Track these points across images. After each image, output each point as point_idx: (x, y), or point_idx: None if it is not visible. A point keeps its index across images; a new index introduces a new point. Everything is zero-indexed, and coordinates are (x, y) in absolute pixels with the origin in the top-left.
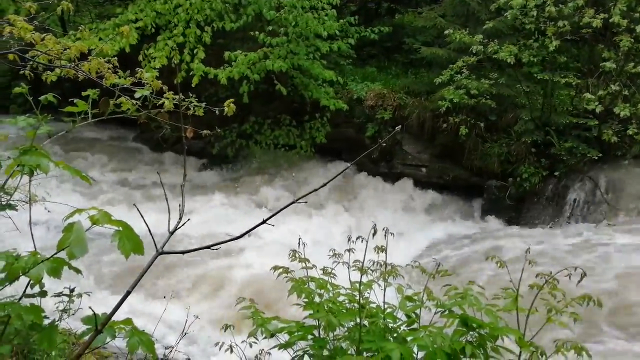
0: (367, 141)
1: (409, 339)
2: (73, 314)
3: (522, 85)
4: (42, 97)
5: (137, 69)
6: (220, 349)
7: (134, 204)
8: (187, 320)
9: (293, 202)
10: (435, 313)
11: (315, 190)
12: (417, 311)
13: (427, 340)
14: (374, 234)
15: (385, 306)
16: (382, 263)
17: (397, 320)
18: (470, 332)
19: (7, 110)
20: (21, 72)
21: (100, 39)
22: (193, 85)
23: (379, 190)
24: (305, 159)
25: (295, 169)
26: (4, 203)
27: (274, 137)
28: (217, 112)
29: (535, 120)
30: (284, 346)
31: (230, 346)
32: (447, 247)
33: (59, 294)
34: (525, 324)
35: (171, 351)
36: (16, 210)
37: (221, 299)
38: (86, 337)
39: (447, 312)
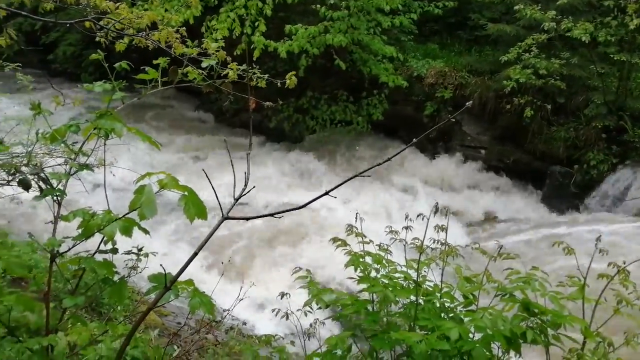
0: (425, 120)
1: (466, 319)
2: (140, 272)
3: (597, 66)
4: (116, 65)
5: (202, 39)
6: (276, 315)
7: (203, 169)
8: (242, 287)
9: (356, 176)
10: (495, 296)
11: (379, 164)
12: (476, 293)
13: (486, 321)
14: (434, 212)
15: (443, 286)
16: (441, 242)
17: (455, 300)
18: (531, 318)
19: (79, 79)
20: (96, 39)
21: (166, 10)
22: (254, 58)
23: (435, 170)
24: (361, 135)
25: (351, 145)
26: (82, 164)
27: (331, 113)
28: (279, 84)
29: (608, 104)
30: (337, 318)
31: (287, 313)
32: (505, 231)
33: (128, 252)
34: (592, 314)
35: (227, 314)
36: (92, 171)
37: (277, 267)
38: (152, 294)
39: (507, 296)
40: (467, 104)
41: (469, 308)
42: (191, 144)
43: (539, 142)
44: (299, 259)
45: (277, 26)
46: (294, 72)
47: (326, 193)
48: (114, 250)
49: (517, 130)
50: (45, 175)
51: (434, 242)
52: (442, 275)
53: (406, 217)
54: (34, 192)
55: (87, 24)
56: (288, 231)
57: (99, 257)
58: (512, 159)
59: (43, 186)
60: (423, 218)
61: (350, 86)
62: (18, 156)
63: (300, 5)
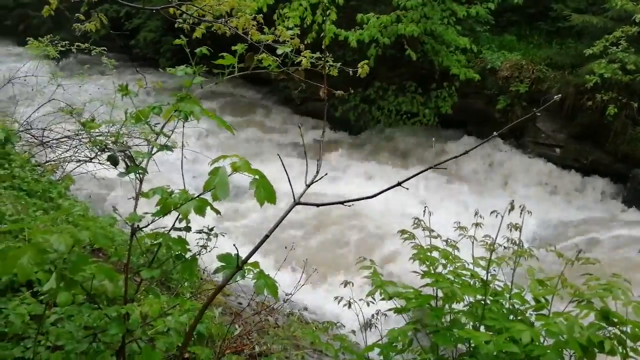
0: (497, 115)
1: (537, 323)
2: (209, 252)
3: None
4: (197, 50)
5: (277, 26)
6: (339, 303)
7: (278, 154)
8: (303, 272)
9: (431, 168)
10: (570, 302)
11: (455, 157)
12: (549, 297)
13: (562, 327)
14: (510, 210)
15: (513, 287)
16: (514, 241)
17: (526, 303)
18: (609, 328)
19: (157, 64)
20: (176, 25)
21: None
22: (323, 46)
23: (506, 166)
24: (428, 128)
25: (417, 138)
26: (162, 144)
27: (397, 104)
28: (350, 72)
29: None
30: (400, 311)
31: (349, 302)
32: (581, 235)
33: (199, 231)
34: None
35: (289, 298)
36: (172, 151)
37: (341, 256)
38: (220, 273)
39: (585, 302)
40: (555, 97)
41: (541, 312)
42: (258, 130)
43: (622, 143)
44: (360, 250)
45: (348, 15)
46: (366, 61)
47: (399, 184)
48: (188, 229)
49: (597, 128)
50: (131, 154)
51: (506, 241)
52: (512, 275)
53: (476, 214)
54: (115, 169)
55: (171, 10)
56: (351, 220)
57: (173, 234)
58: (590, 159)
59: (128, 163)
60: (497, 215)
61: (419, 77)
62: (101, 135)
63: None
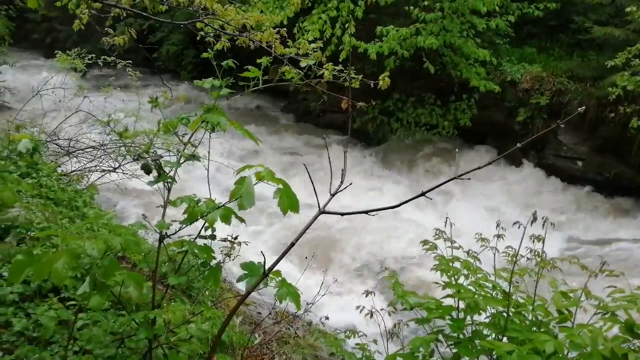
0: (517, 127)
1: (561, 335)
2: (233, 260)
3: None
4: (223, 62)
5: (295, 40)
6: (360, 312)
7: (304, 164)
8: (323, 281)
9: (454, 178)
10: (595, 314)
11: (480, 167)
12: (572, 309)
13: (585, 339)
14: (532, 222)
15: (536, 299)
16: (536, 252)
17: (549, 315)
18: (634, 341)
19: (179, 76)
20: (205, 39)
21: (261, 11)
22: (340, 59)
23: (527, 179)
24: (446, 140)
25: (437, 150)
26: (190, 154)
27: (416, 116)
28: (372, 85)
29: None
30: (421, 321)
31: (371, 312)
32: (605, 248)
33: (224, 239)
34: None
35: (311, 307)
36: (199, 160)
37: (363, 266)
38: (244, 281)
39: (609, 315)
40: (578, 109)
41: (564, 324)
42: (279, 141)
43: None
44: (380, 259)
45: (367, 27)
46: (387, 74)
47: (423, 194)
48: (213, 237)
49: (620, 141)
50: (161, 163)
51: (529, 252)
52: (535, 287)
53: (497, 225)
54: (138, 179)
55: (198, 24)
56: (371, 231)
57: (199, 242)
58: (613, 173)
59: (158, 172)
60: (519, 226)
61: (438, 89)
62: (125, 145)
63: (392, 6)
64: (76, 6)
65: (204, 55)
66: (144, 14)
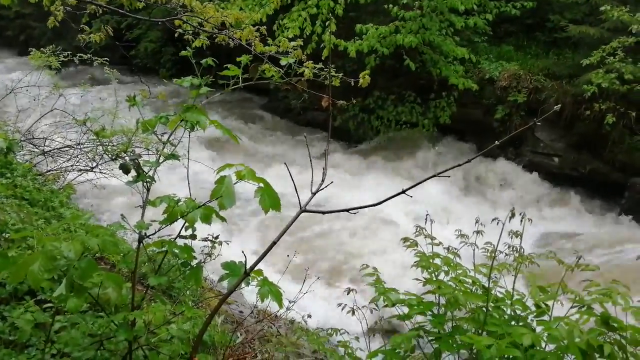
0: (495, 124)
1: (539, 328)
2: (214, 259)
3: None
4: (203, 61)
5: (277, 36)
6: (342, 310)
7: (285, 163)
8: (305, 279)
9: (434, 176)
10: (571, 308)
11: (459, 165)
12: (550, 303)
13: (562, 332)
14: (510, 218)
15: (514, 293)
16: (514, 248)
17: (527, 309)
18: (609, 333)
19: (157, 73)
20: (183, 36)
21: (240, 8)
22: (323, 57)
23: (504, 176)
24: (426, 138)
25: (416, 147)
26: (169, 153)
27: (397, 114)
28: (352, 83)
29: None
30: (402, 318)
31: (353, 309)
32: (580, 244)
33: (204, 239)
34: None
35: (293, 305)
36: (179, 159)
37: (343, 263)
38: (225, 281)
39: (585, 308)
40: (555, 107)
41: (542, 318)
42: (259, 139)
43: (620, 152)
44: (360, 257)
45: (347, 25)
46: (367, 72)
47: (403, 192)
48: (193, 236)
49: (595, 138)
50: (140, 162)
51: (507, 248)
52: (514, 282)
53: (476, 222)
54: (116, 178)
55: (176, 22)
56: (352, 228)
57: (179, 242)
58: (588, 169)
59: (137, 172)
60: (498, 223)
61: (418, 87)
62: (102, 144)
63: (372, 5)
64: (50, 2)
65: (183, 53)
66: (121, 11)
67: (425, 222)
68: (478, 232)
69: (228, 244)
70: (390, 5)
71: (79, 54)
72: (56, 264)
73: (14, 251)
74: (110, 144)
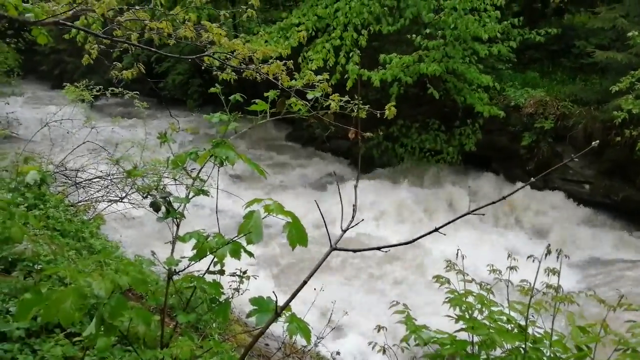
0: (522, 151)
1: None
2: (241, 294)
3: None
4: (231, 97)
5: (302, 68)
6: (372, 348)
7: (315, 201)
8: (331, 313)
9: (467, 214)
10: (615, 351)
11: (493, 202)
12: (592, 345)
13: None
14: (546, 255)
15: (553, 333)
16: (552, 286)
17: (568, 351)
18: None
19: (184, 104)
20: (213, 73)
21: (266, 41)
22: (347, 88)
23: (534, 204)
24: (451, 166)
25: (443, 176)
26: (199, 189)
27: (421, 141)
28: (378, 114)
29: None
30: (434, 357)
31: (384, 348)
32: (619, 277)
33: (233, 274)
34: None
35: (320, 341)
36: (208, 195)
37: (372, 299)
38: (253, 317)
39: (630, 351)
40: (593, 143)
41: None
42: (284, 169)
43: None
44: (390, 294)
45: (369, 55)
46: (393, 103)
47: (436, 229)
48: (222, 272)
49: (627, 165)
50: (170, 199)
51: (545, 286)
52: (552, 322)
53: (508, 256)
54: (145, 209)
55: (206, 58)
56: (378, 260)
57: (208, 277)
58: (621, 196)
59: (167, 209)
60: (533, 260)
61: (442, 115)
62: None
63: (394, 34)
64: (84, 39)
65: (212, 90)
66: (152, 49)
67: (457, 257)
68: (512, 267)
69: (256, 278)
70: (414, 35)
71: (110, 88)
72: (87, 302)
73: (47, 287)
74: (142, 180)
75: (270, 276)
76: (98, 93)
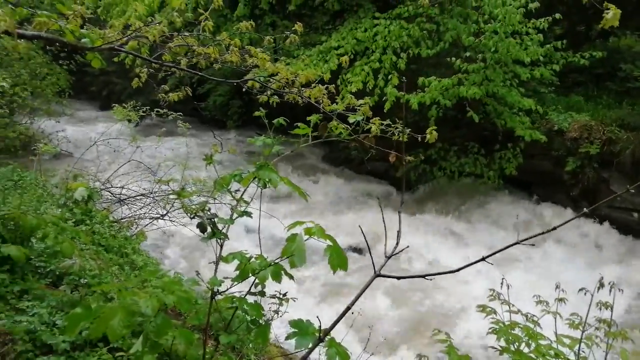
0: (566, 177)
1: None
2: (280, 317)
3: None
4: (275, 121)
5: (341, 91)
6: None
7: (359, 226)
8: (368, 339)
9: (516, 244)
10: None
11: (542, 233)
12: None
13: None
14: (599, 289)
15: None
16: (605, 321)
17: None
18: None
19: (225, 125)
20: (258, 98)
21: (306, 65)
22: (385, 110)
23: (579, 232)
24: (491, 190)
25: (480, 200)
26: (243, 210)
27: (460, 165)
28: (419, 138)
29: None
30: None
31: None
32: None
33: (273, 296)
34: None
35: None
36: (251, 217)
37: (413, 325)
38: (292, 340)
39: None
40: None
41: None
42: (322, 190)
43: None
44: (432, 321)
45: (408, 77)
46: (434, 127)
47: (483, 259)
48: (262, 293)
49: None
50: (214, 222)
51: (596, 321)
52: (605, 358)
53: (556, 287)
54: (189, 226)
55: (250, 83)
56: (419, 286)
57: (249, 299)
58: None
59: (212, 230)
60: (585, 293)
61: (481, 138)
62: (174, 192)
63: (433, 57)
64: (132, 62)
65: (257, 113)
66: (200, 74)
67: (502, 287)
68: (560, 299)
69: (295, 300)
70: (453, 58)
71: (156, 109)
72: (134, 319)
73: (95, 302)
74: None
75: (309, 298)
76: (144, 114)
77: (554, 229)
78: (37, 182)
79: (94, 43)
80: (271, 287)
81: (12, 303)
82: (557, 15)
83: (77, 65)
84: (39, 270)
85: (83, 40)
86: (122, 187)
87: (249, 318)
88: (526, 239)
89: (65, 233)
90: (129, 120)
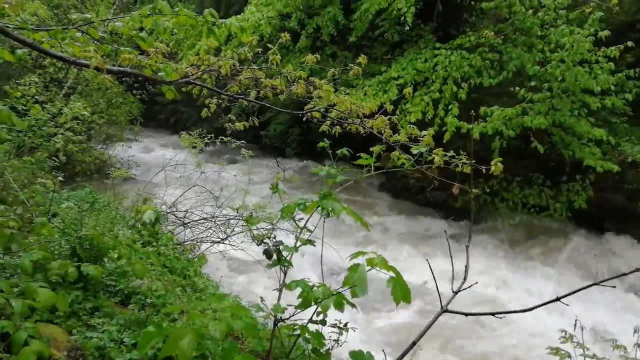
0: None
1: None
2: (340, 346)
3: None
4: (339, 151)
5: (407, 125)
6: None
7: (427, 259)
8: None
9: (595, 284)
10: None
11: (625, 274)
12: None
13: None
14: None
15: None
16: None
17: None
18: None
19: (284, 152)
20: (320, 129)
21: (365, 93)
22: (444, 140)
23: None
24: (557, 223)
25: (546, 234)
26: (306, 239)
27: (523, 196)
28: (483, 170)
29: None
30: None
31: None
32: None
33: (334, 325)
34: None
35: None
36: (314, 245)
37: None
38: None
39: None
40: None
41: None
42: (381, 220)
43: None
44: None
45: (468, 107)
46: (499, 159)
47: (558, 299)
48: (324, 322)
49: None
50: (280, 249)
51: None
52: None
53: (635, 331)
54: (248, 250)
55: (315, 114)
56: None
57: (310, 327)
58: None
59: (277, 257)
60: None
61: (547, 169)
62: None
63: (495, 87)
64: (199, 92)
65: (321, 144)
66: (267, 105)
67: (575, 329)
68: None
69: (355, 330)
70: (517, 88)
71: (220, 137)
72: (203, 342)
73: (165, 322)
74: (240, 217)
75: (367, 330)
76: (209, 141)
77: (638, 270)
78: (110, 205)
79: (169, 76)
80: (332, 315)
81: (84, 319)
82: (629, 43)
83: (148, 94)
84: (109, 289)
85: (160, 73)
86: (187, 211)
87: (310, 346)
88: (605, 280)
89: (137, 254)
90: (194, 147)
